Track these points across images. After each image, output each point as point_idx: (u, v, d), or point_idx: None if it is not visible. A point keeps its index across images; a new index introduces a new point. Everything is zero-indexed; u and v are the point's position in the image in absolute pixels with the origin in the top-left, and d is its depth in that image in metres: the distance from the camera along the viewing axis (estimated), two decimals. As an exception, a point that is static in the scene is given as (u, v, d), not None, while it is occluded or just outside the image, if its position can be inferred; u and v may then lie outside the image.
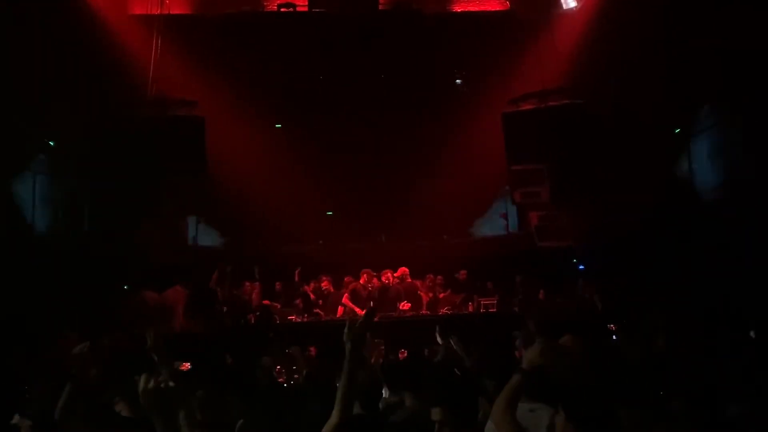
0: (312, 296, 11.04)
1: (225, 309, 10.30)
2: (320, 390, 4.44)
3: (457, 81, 13.63)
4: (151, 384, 3.02)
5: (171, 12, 11.33)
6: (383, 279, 11.16)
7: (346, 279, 11.21)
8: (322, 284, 11.15)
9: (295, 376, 5.75)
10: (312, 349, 7.96)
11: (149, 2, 11.34)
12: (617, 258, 11.51)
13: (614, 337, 8.56)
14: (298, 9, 12.07)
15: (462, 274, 11.47)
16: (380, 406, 4.10)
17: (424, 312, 10.75)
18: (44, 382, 6.12)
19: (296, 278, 11.17)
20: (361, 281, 11.08)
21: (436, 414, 3.08)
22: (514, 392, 3.08)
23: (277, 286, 11.18)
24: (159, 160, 10.60)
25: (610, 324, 8.71)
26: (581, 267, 11.94)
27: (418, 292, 11.14)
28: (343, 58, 12.51)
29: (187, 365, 6.35)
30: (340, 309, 10.75)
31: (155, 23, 11.00)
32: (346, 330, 3.05)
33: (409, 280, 11.33)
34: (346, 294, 10.84)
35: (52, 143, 9.75)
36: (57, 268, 9.14)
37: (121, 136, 10.62)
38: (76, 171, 10.36)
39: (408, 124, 12.95)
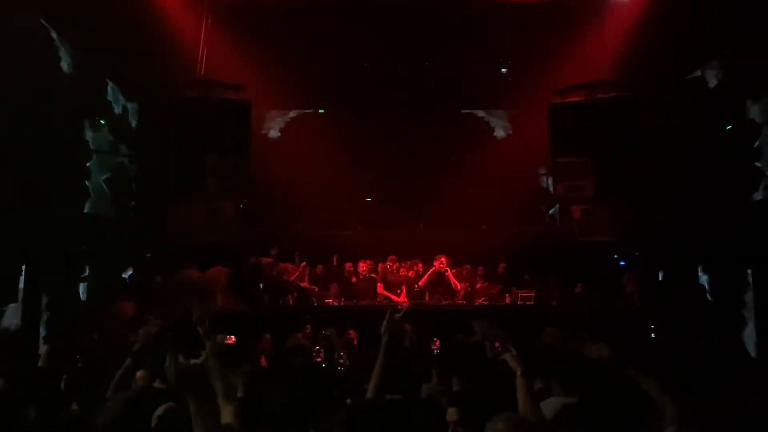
0: (347, 279, 11.12)
1: (261, 287, 10.43)
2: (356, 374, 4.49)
3: (503, 70, 13.51)
4: (175, 364, 3.09)
5: (220, -6, 11.42)
6: (413, 268, 11.19)
7: (380, 266, 11.28)
8: (360, 269, 11.22)
9: (341, 357, 5.81)
10: (351, 332, 8.02)
11: (199, -17, 11.45)
12: (661, 254, 11.34)
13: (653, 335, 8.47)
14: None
15: (501, 267, 11.38)
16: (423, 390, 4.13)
17: (459, 302, 10.73)
18: (93, 353, 6.32)
19: (334, 263, 11.28)
20: (388, 267, 11.14)
21: (451, 414, 3.07)
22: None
23: (319, 269, 11.31)
24: (204, 141, 10.78)
25: (649, 321, 8.60)
26: (622, 263, 11.76)
27: (454, 281, 11.11)
28: (388, 45, 12.47)
29: (233, 338, 6.45)
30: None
31: (205, 5, 11.13)
32: (385, 323, 3.18)
33: (446, 268, 11.31)
34: (380, 281, 10.94)
35: (103, 122, 9.95)
36: (103, 245, 9.40)
37: (168, 116, 10.82)
38: (123, 149, 10.58)
39: (452, 112, 12.88)
